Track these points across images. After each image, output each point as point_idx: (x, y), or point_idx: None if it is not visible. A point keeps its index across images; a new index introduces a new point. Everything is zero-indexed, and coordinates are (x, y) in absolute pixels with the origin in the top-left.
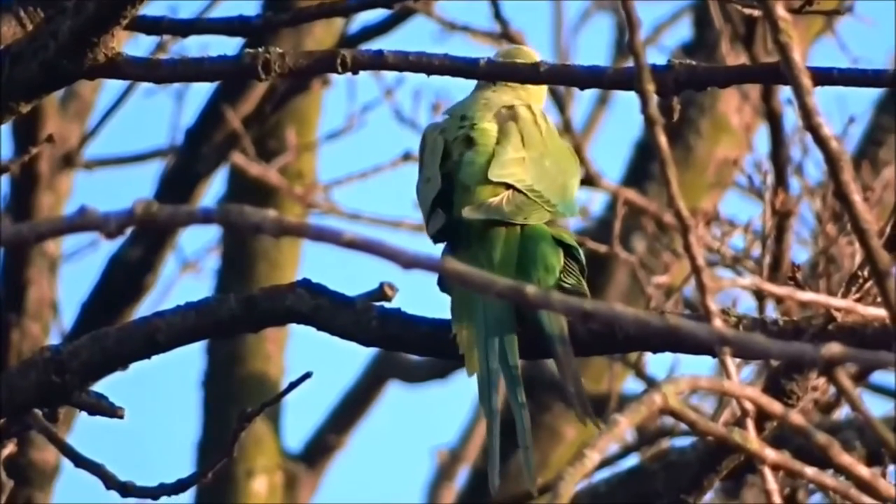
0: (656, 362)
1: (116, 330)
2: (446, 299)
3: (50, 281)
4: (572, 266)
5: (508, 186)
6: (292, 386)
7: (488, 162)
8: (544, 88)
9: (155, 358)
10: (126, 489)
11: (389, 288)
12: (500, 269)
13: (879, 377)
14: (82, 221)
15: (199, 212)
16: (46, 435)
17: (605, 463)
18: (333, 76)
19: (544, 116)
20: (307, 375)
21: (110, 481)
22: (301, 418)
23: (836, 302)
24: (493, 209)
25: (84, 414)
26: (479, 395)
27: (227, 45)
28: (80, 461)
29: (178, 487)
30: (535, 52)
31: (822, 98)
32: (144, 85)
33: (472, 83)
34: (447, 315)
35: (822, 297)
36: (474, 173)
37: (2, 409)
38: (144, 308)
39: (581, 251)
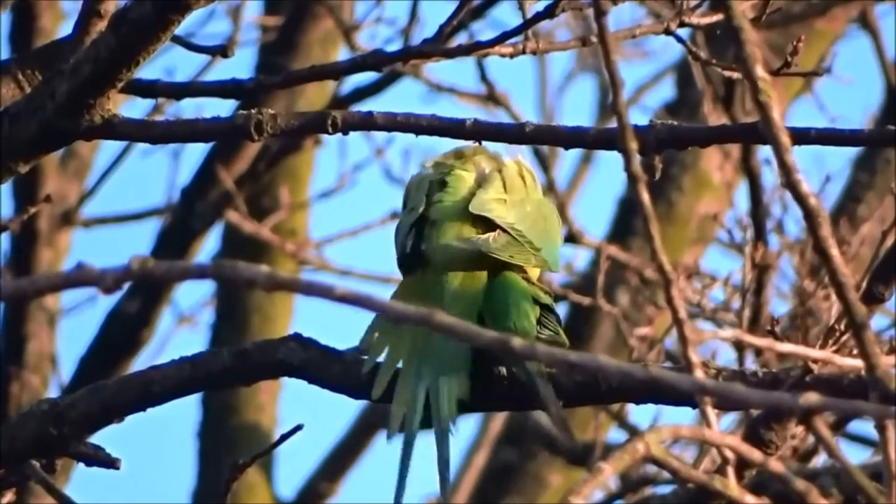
0: (640, 412)
1: (113, 382)
2: None
3: (49, 335)
4: (549, 318)
5: (488, 223)
6: (283, 438)
7: (459, 201)
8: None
9: (151, 410)
10: None
11: None
12: (462, 313)
13: (857, 426)
14: (80, 277)
15: (194, 267)
16: (44, 486)
17: None
18: (325, 136)
19: (531, 171)
20: (298, 428)
21: None
22: (293, 466)
23: (814, 353)
24: (482, 243)
25: (82, 464)
26: (404, 452)
27: (224, 107)
28: None
29: None
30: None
31: (801, 156)
32: (141, 145)
33: (459, 143)
34: None
35: (800, 349)
36: (444, 209)
37: (1, 460)
38: (141, 361)
39: (554, 304)
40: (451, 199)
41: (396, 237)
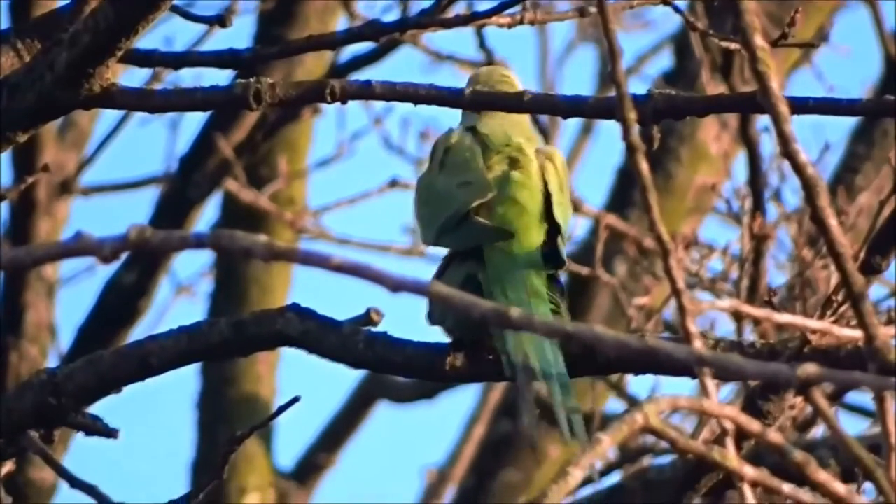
0: (638, 382)
1: (111, 353)
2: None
3: (48, 304)
4: (553, 289)
5: (556, 228)
6: (281, 410)
7: (538, 191)
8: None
9: (149, 380)
10: None
11: (375, 313)
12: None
13: (854, 397)
14: (78, 246)
15: (192, 237)
16: (42, 456)
17: (588, 480)
18: (324, 105)
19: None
20: (295, 399)
21: (104, 502)
22: (292, 437)
23: (812, 324)
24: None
25: (80, 435)
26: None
27: (222, 77)
28: (75, 482)
29: None
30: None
31: (800, 126)
32: (139, 114)
33: (458, 112)
34: (431, 338)
35: (798, 319)
36: (526, 197)
37: (0, 431)
38: (140, 331)
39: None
40: (531, 183)
41: (440, 197)
